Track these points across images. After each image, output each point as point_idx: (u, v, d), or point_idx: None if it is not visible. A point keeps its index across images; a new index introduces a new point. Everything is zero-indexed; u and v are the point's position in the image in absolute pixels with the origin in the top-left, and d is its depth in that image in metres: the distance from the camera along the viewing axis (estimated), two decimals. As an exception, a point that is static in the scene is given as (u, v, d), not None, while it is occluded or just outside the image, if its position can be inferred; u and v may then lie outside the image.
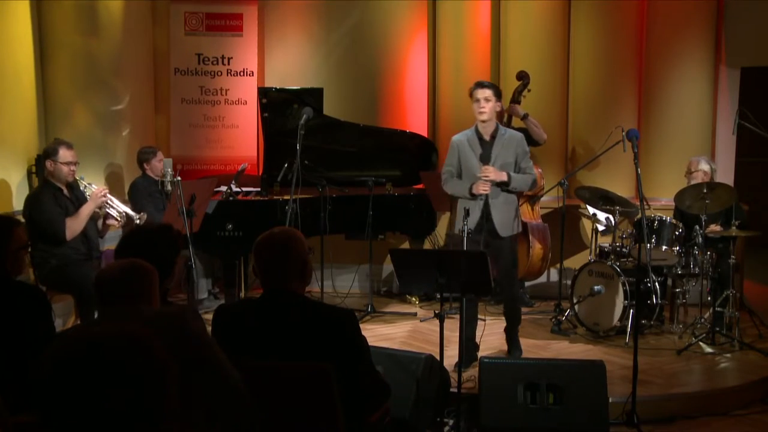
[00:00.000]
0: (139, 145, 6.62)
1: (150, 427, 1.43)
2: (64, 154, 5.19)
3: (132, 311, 2.38)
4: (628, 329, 5.50)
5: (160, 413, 1.44)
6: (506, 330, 5.34)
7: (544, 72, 7.03)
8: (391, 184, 6.82)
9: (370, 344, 2.91)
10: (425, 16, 7.45)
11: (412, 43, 7.37)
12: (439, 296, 4.15)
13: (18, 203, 5.62)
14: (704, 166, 6.05)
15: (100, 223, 5.43)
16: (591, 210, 6.37)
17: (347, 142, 6.74)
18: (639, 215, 5.09)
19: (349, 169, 6.75)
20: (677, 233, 5.75)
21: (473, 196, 4.97)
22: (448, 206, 6.12)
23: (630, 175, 6.84)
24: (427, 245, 7.05)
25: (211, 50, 7.44)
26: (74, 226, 5.14)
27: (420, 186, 6.90)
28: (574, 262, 6.63)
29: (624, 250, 5.84)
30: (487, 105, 4.96)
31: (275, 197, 6.18)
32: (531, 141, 6.16)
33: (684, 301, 6.02)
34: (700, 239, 5.61)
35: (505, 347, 5.36)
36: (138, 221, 5.33)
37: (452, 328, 4.50)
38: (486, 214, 5.00)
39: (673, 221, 5.80)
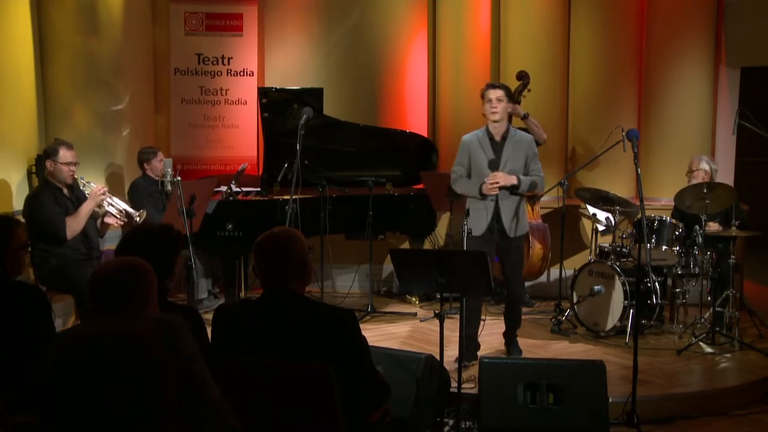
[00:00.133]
0: (139, 145, 6.62)
1: (150, 427, 1.43)
2: (64, 154, 5.19)
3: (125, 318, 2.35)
4: (628, 329, 5.50)
5: (159, 413, 1.44)
6: (505, 334, 5.35)
7: (544, 72, 7.04)
8: (391, 184, 6.82)
9: (370, 344, 2.91)
10: (425, 16, 7.45)
11: (412, 43, 7.37)
12: (439, 296, 4.14)
13: (18, 203, 5.63)
14: (705, 166, 6.05)
15: (99, 222, 5.43)
16: (591, 210, 6.37)
17: (347, 142, 6.74)
18: (639, 215, 5.09)
19: (349, 169, 6.75)
20: (677, 233, 5.75)
21: (483, 197, 4.99)
22: (448, 206, 6.12)
23: (630, 175, 6.84)
24: (427, 245, 7.05)
25: (211, 50, 7.44)
26: (74, 225, 5.14)
27: (420, 186, 6.90)
28: (574, 262, 6.63)
29: (624, 250, 5.84)
30: (499, 105, 4.99)
31: (275, 197, 6.18)
32: (531, 141, 6.16)
33: (684, 301, 6.02)
34: (700, 239, 5.61)
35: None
36: (138, 218, 5.33)
37: (452, 328, 4.50)
38: (496, 214, 5.02)
39: (673, 221, 5.80)
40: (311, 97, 6.38)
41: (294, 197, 5.49)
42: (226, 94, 7.47)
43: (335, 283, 7.29)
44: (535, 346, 5.52)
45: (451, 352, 4.76)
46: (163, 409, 1.45)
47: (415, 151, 6.98)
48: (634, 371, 4.26)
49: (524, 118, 6.53)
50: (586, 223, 7.05)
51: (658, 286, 5.68)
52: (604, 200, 6.07)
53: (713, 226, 5.82)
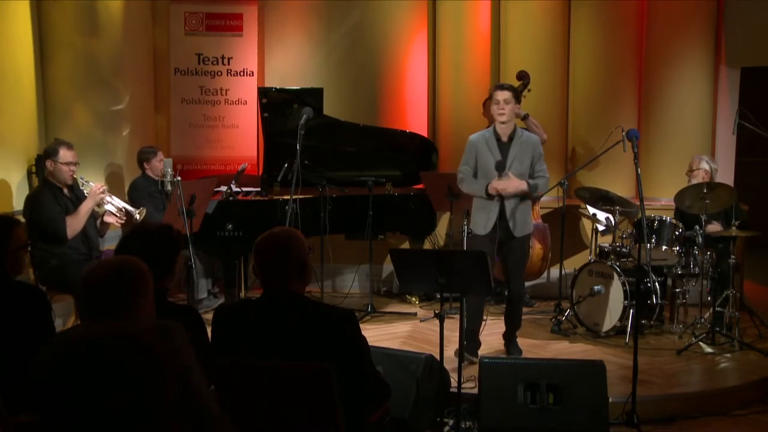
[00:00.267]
0: (139, 145, 6.62)
1: (150, 427, 1.43)
2: (64, 154, 5.19)
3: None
4: (628, 329, 5.50)
5: (159, 413, 1.44)
6: (505, 335, 5.36)
7: (544, 72, 7.04)
8: (391, 184, 6.82)
9: (370, 344, 2.91)
10: (425, 16, 7.45)
11: (412, 43, 7.37)
12: (439, 296, 4.14)
13: (18, 203, 5.63)
14: (705, 166, 6.05)
15: (99, 222, 5.43)
16: (591, 210, 6.37)
17: (347, 142, 6.74)
18: (639, 215, 5.09)
19: (349, 169, 6.75)
20: (677, 233, 5.75)
21: (489, 197, 5.01)
22: (448, 206, 6.12)
23: (630, 175, 6.84)
24: (427, 245, 7.05)
25: (211, 50, 7.44)
26: (74, 224, 5.14)
27: (420, 186, 6.90)
28: (574, 262, 6.63)
29: (624, 250, 5.84)
30: (506, 107, 5.02)
31: (275, 197, 6.18)
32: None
33: (684, 301, 6.02)
34: (700, 239, 5.61)
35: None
36: (137, 217, 5.33)
37: (452, 328, 4.50)
38: (502, 214, 5.04)
39: (673, 221, 5.80)
40: (311, 97, 6.38)
41: (294, 197, 5.49)
42: (226, 94, 7.46)
43: (335, 283, 7.29)
44: (535, 346, 5.52)
45: (451, 351, 4.76)
46: (163, 409, 1.45)
47: (415, 151, 6.98)
48: (634, 371, 4.26)
49: (524, 118, 6.53)
50: (586, 223, 7.05)
51: (658, 286, 5.68)
52: (604, 200, 6.07)
53: (713, 227, 5.82)
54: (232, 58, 7.44)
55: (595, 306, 5.75)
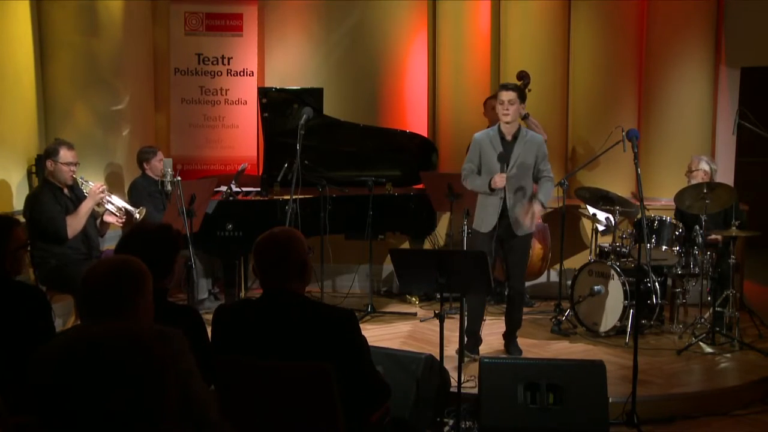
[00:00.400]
0: (139, 145, 6.62)
1: (150, 427, 1.43)
2: (64, 154, 5.19)
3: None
4: (628, 329, 5.50)
5: (160, 413, 1.44)
6: (505, 335, 5.37)
7: (544, 72, 7.04)
8: (391, 184, 6.82)
9: (370, 344, 2.91)
10: (425, 16, 7.45)
11: (412, 43, 7.37)
12: (439, 296, 4.14)
13: (18, 203, 5.63)
14: (704, 166, 6.05)
15: (99, 221, 5.42)
16: (591, 210, 6.37)
17: (347, 142, 6.73)
18: (639, 215, 5.09)
19: (349, 169, 6.75)
20: (677, 233, 5.75)
21: (492, 191, 5.03)
22: (448, 206, 6.12)
23: (630, 175, 6.84)
24: (427, 245, 7.05)
25: (211, 50, 7.44)
26: (75, 224, 5.14)
27: (420, 186, 6.90)
28: (574, 262, 6.63)
29: (624, 250, 5.85)
30: (511, 107, 5.05)
31: (275, 197, 6.18)
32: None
33: (684, 301, 6.02)
34: (700, 239, 5.61)
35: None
36: (137, 216, 5.33)
37: (452, 328, 4.50)
38: (503, 212, 5.06)
39: (673, 221, 5.80)
40: (311, 97, 6.38)
41: (294, 197, 5.49)
42: (226, 94, 7.46)
43: (335, 283, 7.29)
44: (535, 346, 5.52)
45: (451, 351, 4.76)
46: (163, 409, 1.45)
47: (415, 151, 6.98)
48: (634, 371, 4.26)
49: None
50: (586, 223, 7.05)
51: (658, 286, 5.68)
52: (604, 200, 6.07)
53: (717, 238, 5.81)
54: (232, 58, 7.44)
55: (595, 306, 5.75)
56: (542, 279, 6.96)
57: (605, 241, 6.22)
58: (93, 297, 2.31)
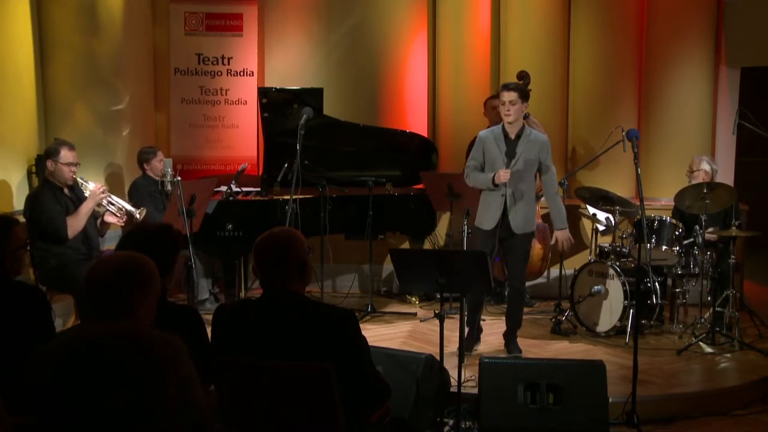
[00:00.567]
0: (139, 145, 6.62)
1: (150, 427, 1.43)
2: (65, 154, 5.19)
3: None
4: (628, 329, 5.50)
5: (159, 413, 1.44)
6: (505, 335, 5.36)
7: (544, 72, 7.03)
8: (391, 184, 6.82)
9: (370, 344, 2.91)
10: (425, 16, 7.45)
11: (412, 43, 7.37)
12: (439, 296, 4.14)
13: (18, 203, 5.63)
14: (705, 166, 6.05)
15: (99, 222, 5.42)
16: (591, 210, 6.37)
17: (347, 142, 6.73)
18: (639, 215, 5.09)
19: (349, 169, 6.75)
20: (677, 233, 5.75)
21: (495, 186, 5.04)
22: (448, 206, 6.12)
23: (630, 175, 6.84)
24: (427, 245, 7.05)
25: (211, 50, 7.44)
26: (75, 224, 5.14)
27: (420, 186, 6.90)
28: (574, 262, 6.63)
29: (624, 250, 5.85)
30: (512, 108, 5.06)
31: (275, 197, 6.18)
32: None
33: (684, 301, 6.02)
34: (700, 239, 5.61)
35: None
36: (138, 216, 5.33)
37: (452, 328, 4.50)
38: (505, 210, 5.08)
39: (673, 221, 5.80)
40: (311, 97, 6.38)
41: (294, 197, 5.50)
42: (226, 94, 7.46)
43: (335, 283, 7.28)
44: (535, 346, 5.52)
45: (452, 352, 4.76)
46: (162, 409, 1.45)
47: (415, 151, 6.98)
48: (634, 371, 4.26)
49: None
50: (586, 223, 7.05)
51: (658, 286, 5.68)
52: (604, 200, 6.07)
53: (712, 237, 5.81)
54: (232, 58, 7.44)
55: (595, 306, 5.75)
56: (542, 279, 6.96)
57: (605, 241, 6.22)
58: (96, 292, 2.28)
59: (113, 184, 6.40)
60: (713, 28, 7.12)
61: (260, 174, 6.66)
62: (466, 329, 4.95)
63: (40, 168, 5.70)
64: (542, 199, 6.79)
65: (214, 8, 7.45)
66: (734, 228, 5.51)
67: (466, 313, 4.36)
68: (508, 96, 5.05)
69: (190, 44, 7.42)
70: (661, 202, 6.84)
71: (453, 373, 4.26)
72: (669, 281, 6.03)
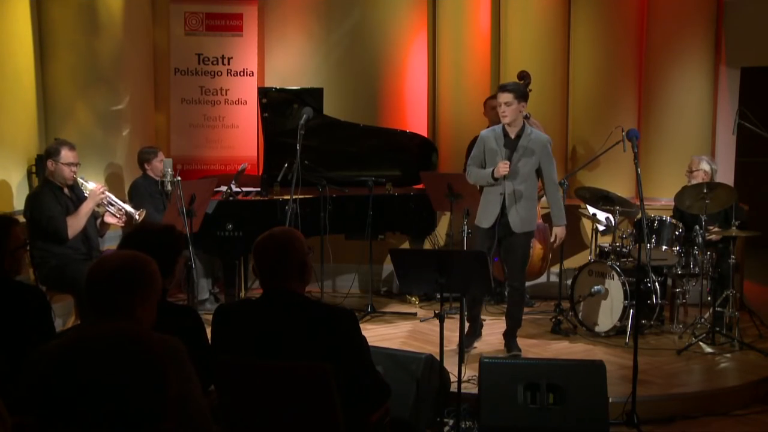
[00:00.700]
0: (139, 145, 6.62)
1: (150, 427, 1.43)
2: (66, 154, 5.19)
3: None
4: (628, 329, 5.50)
5: (159, 415, 1.44)
6: (505, 334, 5.36)
7: (544, 72, 7.03)
8: (391, 184, 6.82)
9: (370, 344, 2.91)
10: (425, 16, 7.45)
11: (412, 43, 7.37)
12: (439, 296, 4.15)
13: (18, 203, 5.63)
14: (705, 166, 6.04)
15: (99, 222, 5.42)
16: (591, 210, 6.37)
17: (347, 142, 6.73)
18: (639, 215, 5.09)
19: (349, 169, 6.75)
20: (677, 233, 5.75)
21: (495, 180, 5.07)
22: (448, 206, 6.12)
23: (630, 175, 6.84)
24: (427, 245, 7.05)
25: (211, 50, 7.44)
26: (75, 224, 5.14)
27: (420, 186, 6.90)
28: (574, 262, 6.63)
29: (624, 250, 5.85)
30: (508, 109, 5.07)
31: (275, 197, 6.18)
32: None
33: (684, 301, 6.02)
34: (700, 239, 5.61)
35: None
36: (138, 218, 5.33)
37: (452, 328, 4.50)
38: (503, 209, 5.07)
39: (673, 221, 5.80)
40: (311, 97, 6.38)
41: (294, 197, 5.49)
42: (226, 94, 7.46)
43: (335, 283, 7.28)
44: (535, 346, 5.52)
45: (452, 351, 4.76)
46: (162, 411, 1.45)
47: (415, 151, 6.98)
48: (634, 371, 4.26)
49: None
50: (586, 223, 7.05)
51: (658, 286, 5.68)
52: (604, 200, 6.06)
53: (714, 237, 5.80)
54: (232, 58, 7.44)
55: (595, 306, 5.75)
56: (542, 279, 6.96)
57: (605, 241, 6.22)
58: (97, 292, 2.29)
59: (113, 184, 6.40)
60: (713, 28, 7.12)
61: (260, 174, 6.66)
62: (467, 325, 4.95)
63: (40, 168, 5.70)
64: (543, 199, 6.84)
65: (214, 8, 7.45)
66: (734, 228, 5.51)
67: (465, 313, 4.35)
68: (503, 97, 5.07)
69: (190, 44, 7.42)
70: (661, 202, 6.84)
71: (453, 373, 4.26)
72: (669, 281, 6.04)
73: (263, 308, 2.81)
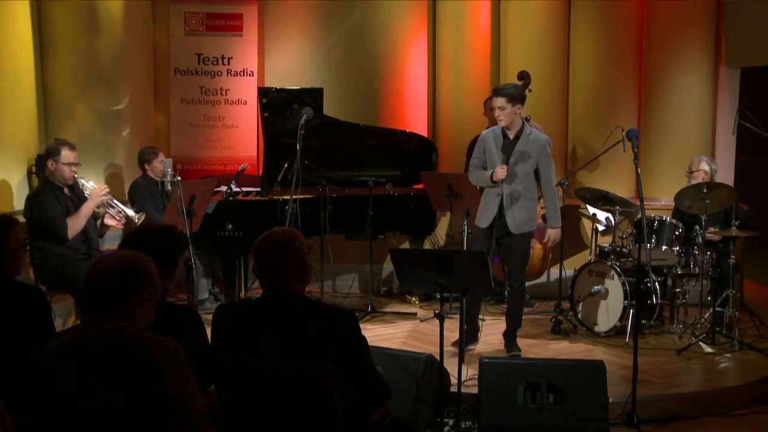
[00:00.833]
0: (139, 145, 6.62)
1: (149, 427, 1.43)
2: (66, 154, 5.18)
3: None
4: (628, 329, 5.49)
5: (158, 415, 1.44)
6: (505, 334, 5.36)
7: (544, 72, 7.03)
8: (391, 184, 6.82)
9: (370, 344, 2.91)
10: (425, 16, 7.45)
11: (412, 43, 7.37)
12: (439, 296, 4.15)
13: (18, 203, 5.63)
14: (705, 166, 6.04)
15: (99, 223, 5.42)
16: (591, 210, 6.37)
17: (347, 142, 6.73)
18: (639, 215, 5.09)
19: (349, 169, 6.75)
20: (677, 233, 5.75)
21: (494, 183, 5.08)
22: (448, 206, 6.12)
23: (630, 175, 6.84)
24: (427, 245, 7.05)
25: (211, 50, 7.44)
26: (75, 225, 5.13)
27: (420, 186, 6.90)
28: (574, 262, 6.63)
29: (624, 250, 5.84)
30: (502, 113, 5.09)
31: (275, 197, 6.18)
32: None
33: (684, 301, 6.02)
34: (700, 239, 5.61)
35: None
36: (137, 221, 5.32)
37: (452, 328, 4.50)
38: (501, 209, 5.08)
39: (673, 221, 5.80)
40: (311, 97, 6.38)
41: (294, 197, 5.49)
42: (226, 94, 7.46)
43: (335, 283, 7.28)
44: (535, 346, 5.52)
45: (451, 351, 4.76)
46: (161, 411, 1.45)
47: (415, 151, 6.98)
48: (634, 371, 4.26)
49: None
50: (586, 223, 7.05)
51: (658, 286, 5.68)
52: (604, 200, 6.07)
53: (714, 237, 5.80)
54: (232, 58, 7.44)
55: (595, 306, 5.75)
56: (542, 279, 6.95)
57: (605, 241, 6.22)
58: (95, 291, 2.28)
59: (113, 184, 6.39)
60: (713, 28, 7.12)
61: (260, 174, 6.66)
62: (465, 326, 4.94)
63: (40, 168, 5.70)
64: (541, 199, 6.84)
65: (214, 8, 7.45)
66: (734, 228, 5.51)
67: (464, 318, 4.36)
68: (496, 102, 5.11)
69: (190, 44, 7.42)
70: (661, 202, 6.84)
71: (453, 373, 4.26)
72: (669, 281, 6.03)
73: (263, 308, 2.81)
